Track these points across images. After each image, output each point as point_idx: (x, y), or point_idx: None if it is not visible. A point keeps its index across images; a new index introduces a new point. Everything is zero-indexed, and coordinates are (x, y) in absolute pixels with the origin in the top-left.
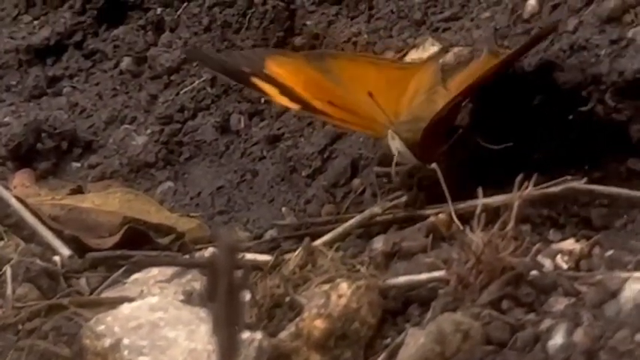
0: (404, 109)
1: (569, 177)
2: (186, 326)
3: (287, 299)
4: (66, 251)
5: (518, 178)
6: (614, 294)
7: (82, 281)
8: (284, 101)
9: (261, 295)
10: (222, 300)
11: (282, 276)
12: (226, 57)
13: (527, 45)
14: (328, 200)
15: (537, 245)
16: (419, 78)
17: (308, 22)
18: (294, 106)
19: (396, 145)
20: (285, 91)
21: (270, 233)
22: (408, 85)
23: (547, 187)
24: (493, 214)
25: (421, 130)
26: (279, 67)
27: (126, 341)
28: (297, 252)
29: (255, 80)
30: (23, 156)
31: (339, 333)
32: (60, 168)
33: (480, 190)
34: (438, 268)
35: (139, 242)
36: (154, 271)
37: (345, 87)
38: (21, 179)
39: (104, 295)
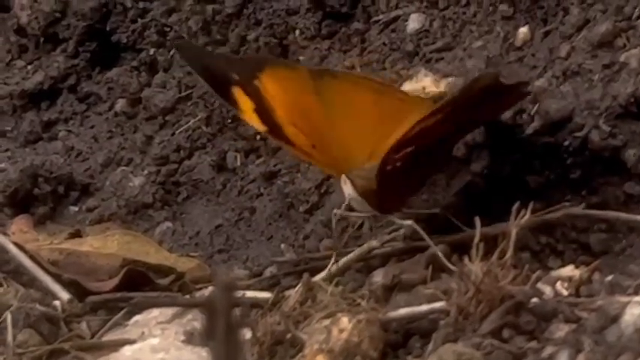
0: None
1: (566, 203)
2: None
3: (288, 336)
4: (65, 295)
5: (515, 205)
6: (615, 319)
7: (83, 325)
8: (253, 120)
9: (262, 333)
10: (222, 339)
11: (283, 313)
12: (219, 58)
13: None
14: (327, 235)
15: (537, 273)
16: (413, 116)
17: (301, 58)
18: (261, 128)
19: (347, 190)
20: (261, 109)
21: (270, 270)
22: (401, 122)
23: (545, 213)
24: (491, 243)
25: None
26: (274, 81)
27: None
28: (296, 288)
29: (235, 90)
30: (20, 202)
31: None
32: (58, 212)
33: (477, 220)
34: (438, 299)
35: (138, 284)
36: (155, 312)
37: (333, 113)
38: (19, 225)
39: (105, 338)
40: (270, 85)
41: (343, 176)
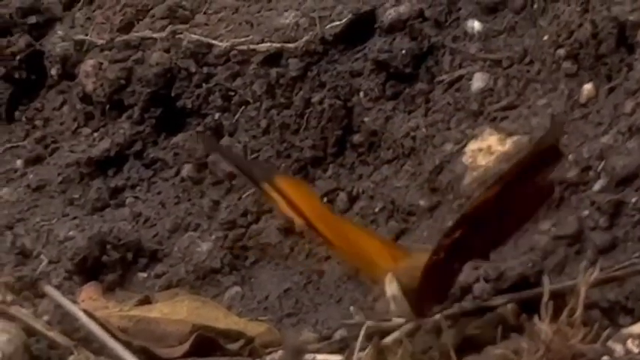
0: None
1: (635, 260)
2: None
3: None
4: None
5: (584, 263)
6: None
7: None
8: (292, 214)
9: None
10: None
11: None
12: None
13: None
14: None
15: (607, 331)
16: None
17: (365, 119)
18: (299, 221)
19: (392, 290)
20: (292, 204)
21: (339, 333)
22: None
23: (613, 271)
24: (560, 301)
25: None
26: (287, 184)
27: None
28: (366, 351)
29: (266, 186)
30: (89, 269)
31: None
32: (126, 279)
33: (546, 278)
34: (508, 359)
35: (208, 349)
36: None
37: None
38: (88, 293)
39: None
40: (285, 186)
41: (389, 275)
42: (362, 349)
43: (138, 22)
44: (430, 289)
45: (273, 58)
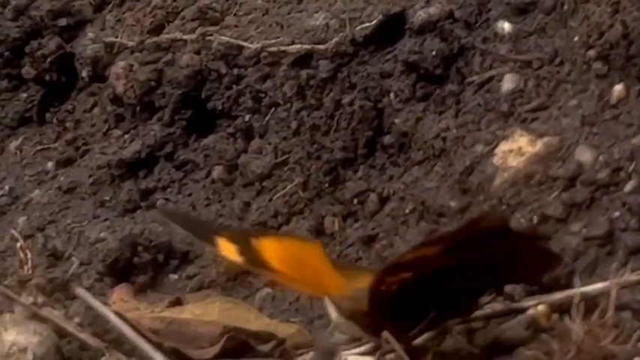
0: None
1: None
2: None
3: None
4: None
5: (615, 264)
6: None
7: None
8: (229, 252)
9: None
10: None
11: None
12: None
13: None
14: None
15: (638, 332)
16: None
17: (396, 121)
18: (237, 258)
19: (332, 314)
20: (244, 250)
21: None
22: None
23: None
24: (591, 303)
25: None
26: (276, 240)
27: None
28: (397, 351)
29: (219, 239)
30: (120, 271)
31: None
32: (157, 281)
33: (577, 279)
34: None
35: (239, 351)
36: None
37: None
38: (119, 294)
39: None
40: (268, 242)
41: (326, 298)
42: (390, 350)
43: (168, 24)
44: (384, 317)
45: (304, 60)
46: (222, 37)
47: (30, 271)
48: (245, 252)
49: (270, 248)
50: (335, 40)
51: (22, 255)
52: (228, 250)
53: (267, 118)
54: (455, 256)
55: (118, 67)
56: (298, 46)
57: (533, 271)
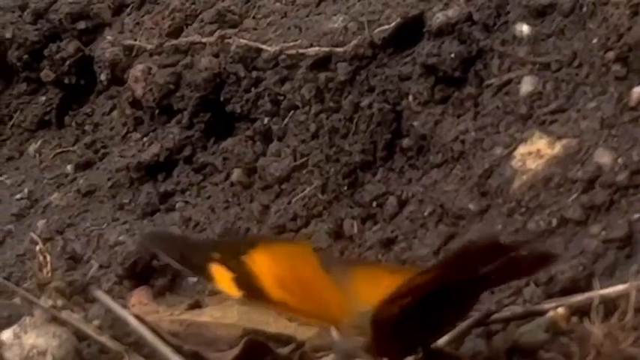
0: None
1: None
2: None
3: None
4: None
5: (634, 267)
6: None
7: None
8: (228, 287)
9: None
10: None
11: None
12: (197, 243)
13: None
14: None
15: None
16: None
17: (415, 123)
18: (235, 293)
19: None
20: (241, 278)
21: None
22: None
23: None
24: (611, 305)
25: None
26: (267, 252)
27: None
28: (417, 353)
29: (213, 267)
30: (139, 274)
31: None
32: (176, 284)
33: (596, 281)
34: None
35: (259, 353)
36: None
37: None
38: (138, 297)
39: None
40: (260, 258)
41: (333, 328)
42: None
43: (187, 27)
44: (389, 342)
45: (322, 63)
46: (241, 40)
47: (49, 274)
48: (240, 280)
49: (262, 266)
50: (353, 42)
51: (41, 258)
52: (223, 280)
53: (285, 120)
54: (452, 279)
55: (137, 70)
56: (317, 48)
57: (526, 273)
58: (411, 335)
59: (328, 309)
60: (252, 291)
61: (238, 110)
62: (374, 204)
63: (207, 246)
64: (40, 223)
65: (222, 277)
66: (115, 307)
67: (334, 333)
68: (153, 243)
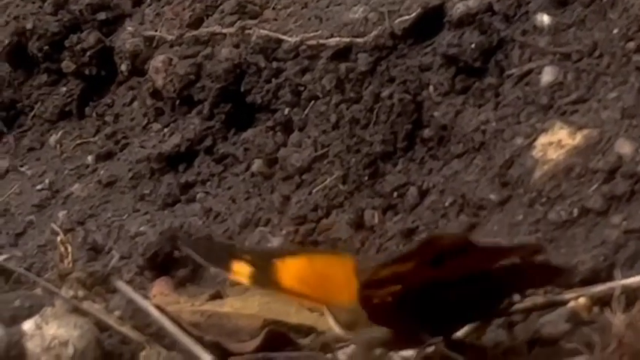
0: None
1: None
2: None
3: None
4: (207, 357)
5: None
6: None
7: None
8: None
9: None
10: None
11: None
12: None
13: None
14: None
15: None
16: None
17: (435, 114)
18: (247, 281)
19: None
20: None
21: None
22: None
23: None
24: (632, 296)
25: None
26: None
27: None
28: (438, 344)
29: (237, 262)
30: (160, 264)
31: None
32: (198, 274)
33: (618, 272)
34: (580, 354)
35: (280, 344)
36: None
37: None
38: (159, 288)
39: None
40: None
41: (325, 308)
42: (433, 343)
43: (207, 18)
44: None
45: (343, 53)
46: (261, 31)
47: (70, 265)
48: (257, 275)
49: (291, 268)
50: (374, 33)
51: (62, 249)
52: (240, 272)
53: (306, 111)
54: (440, 271)
55: (158, 60)
56: (337, 39)
57: (537, 284)
58: (429, 325)
59: (337, 296)
60: (264, 282)
61: (259, 101)
62: (395, 194)
63: (242, 249)
64: (61, 213)
65: (240, 269)
66: (136, 297)
67: (328, 316)
68: (187, 246)
